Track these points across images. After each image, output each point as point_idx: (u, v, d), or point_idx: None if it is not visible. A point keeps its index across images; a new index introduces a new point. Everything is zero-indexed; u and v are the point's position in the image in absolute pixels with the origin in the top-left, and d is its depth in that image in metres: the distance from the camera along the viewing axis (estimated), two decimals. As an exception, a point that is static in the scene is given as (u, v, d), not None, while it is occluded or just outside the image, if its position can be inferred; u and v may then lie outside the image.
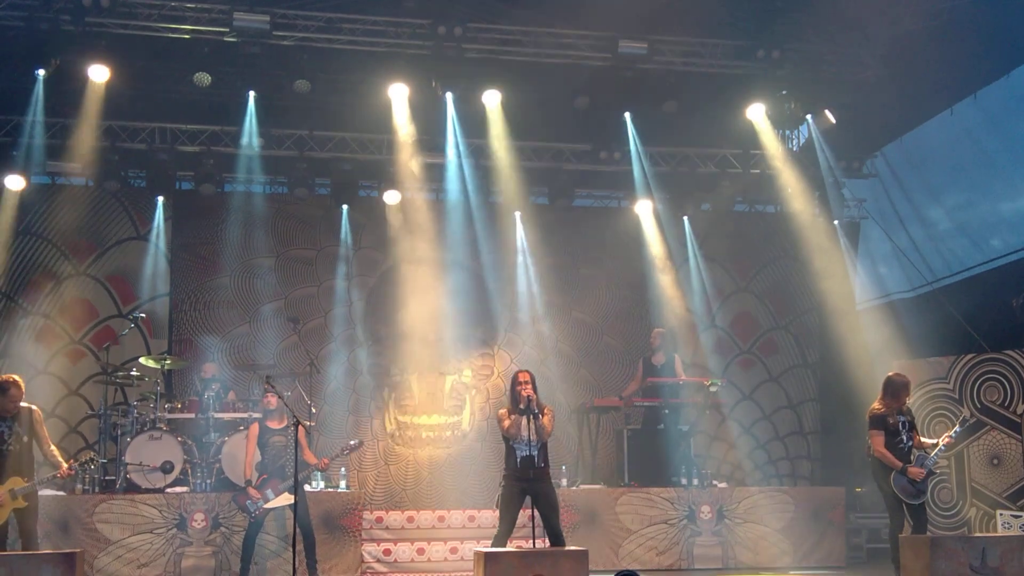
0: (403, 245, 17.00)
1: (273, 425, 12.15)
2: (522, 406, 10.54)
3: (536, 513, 10.72)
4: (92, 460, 11.10)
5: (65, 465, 10.59)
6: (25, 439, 10.53)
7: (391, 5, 14.82)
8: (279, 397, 11.82)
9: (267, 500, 11.86)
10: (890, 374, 11.88)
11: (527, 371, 10.89)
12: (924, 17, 13.80)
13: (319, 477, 13.93)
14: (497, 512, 10.97)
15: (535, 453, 10.58)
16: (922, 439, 11.72)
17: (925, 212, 16.87)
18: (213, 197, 16.38)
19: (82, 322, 16.33)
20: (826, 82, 15.88)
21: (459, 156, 16.22)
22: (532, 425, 10.50)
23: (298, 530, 11.11)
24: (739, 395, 17.61)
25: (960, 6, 13.58)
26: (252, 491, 11.87)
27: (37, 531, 10.63)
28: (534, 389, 10.64)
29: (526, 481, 10.61)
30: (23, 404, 10.61)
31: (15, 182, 15.46)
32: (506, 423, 10.66)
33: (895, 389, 11.62)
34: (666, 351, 15.63)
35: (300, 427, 11.15)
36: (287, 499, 11.55)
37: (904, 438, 11.47)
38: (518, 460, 10.61)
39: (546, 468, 10.76)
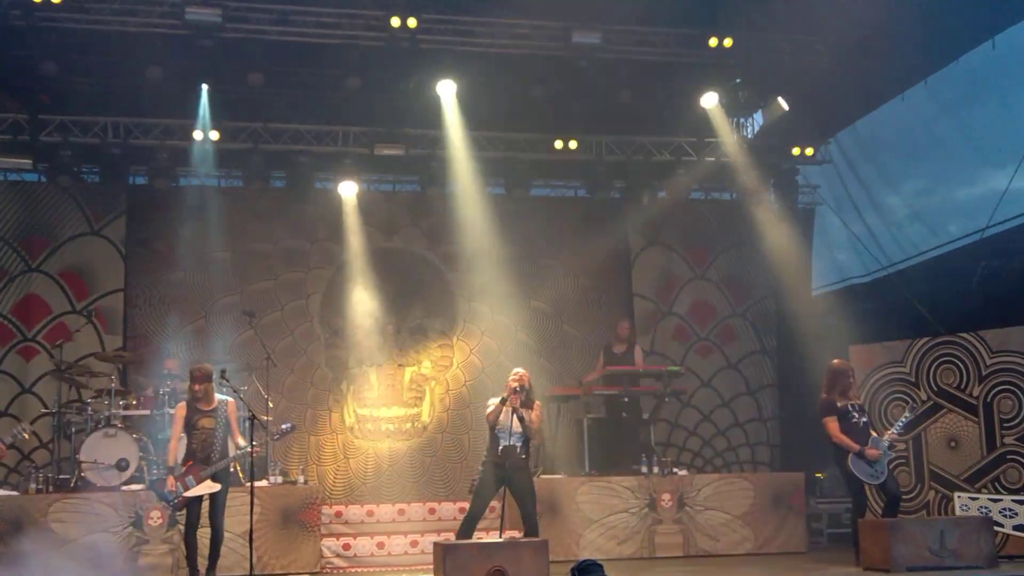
0: (360, 237, 16.94)
1: (202, 407, 11.33)
2: (505, 395, 10.82)
3: (506, 504, 10.80)
4: (21, 431, 11.06)
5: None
6: None
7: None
8: (207, 383, 11.29)
9: (187, 488, 11.07)
10: (831, 361, 12.17)
11: (523, 368, 11.28)
12: (874, 3, 13.86)
13: (277, 471, 13.83)
14: (469, 500, 11.11)
15: (518, 444, 10.81)
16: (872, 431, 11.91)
17: (881, 198, 16.97)
18: (167, 191, 16.26)
19: (35, 319, 16.13)
20: (779, 69, 15.95)
21: (415, 147, 16.15)
22: (516, 416, 10.76)
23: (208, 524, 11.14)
24: (698, 382, 17.67)
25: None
26: (171, 480, 11.08)
27: None
28: (524, 387, 10.94)
29: (505, 468, 10.71)
30: None
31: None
32: (489, 410, 10.94)
33: (833, 375, 11.91)
34: (628, 341, 15.74)
35: (231, 404, 11.03)
36: (210, 487, 11.05)
37: (857, 416, 11.68)
38: (500, 448, 10.79)
39: (527, 459, 10.98)
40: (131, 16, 14.27)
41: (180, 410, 11.44)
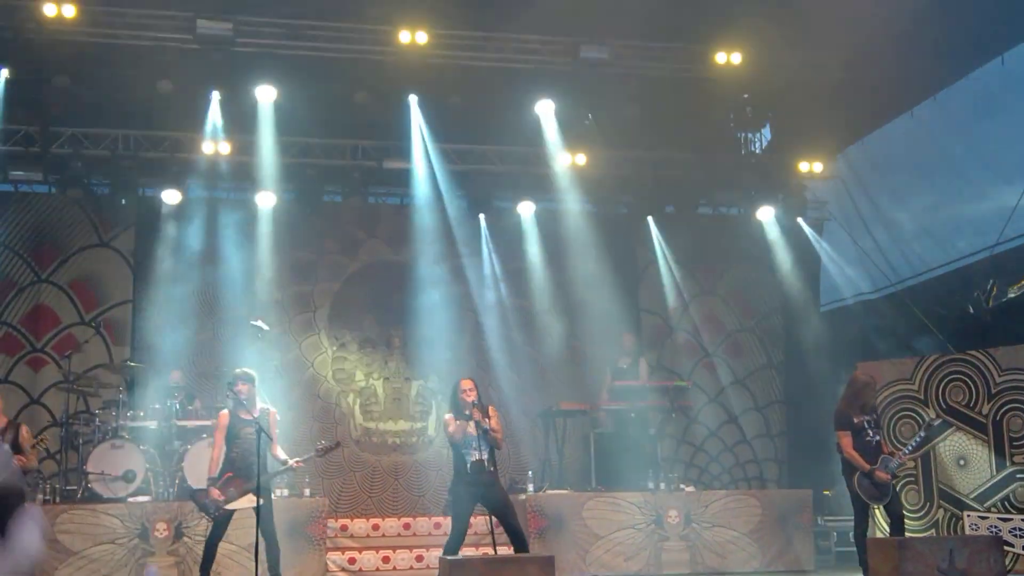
0: (368, 250, 16.96)
1: (244, 415, 10.90)
2: (467, 412, 10.51)
3: (493, 519, 10.68)
4: (42, 439, 11.28)
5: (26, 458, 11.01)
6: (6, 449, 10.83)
7: (355, 11, 14.80)
8: (252, 385, 11.02)
9: (229, 500, 10.71)
10: (855, 373, 11.96)
11: (470, 379, 10.84)
12: (883, 20, 13.87)
13: (284, 483, 13.79)
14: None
15: (485, 456, 10.47)
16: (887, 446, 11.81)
17: (889, 214, 16.95)
18: (177, 203, 16.26)
19: (44, 329, 16.16)
20: (787, 85, 15.97)
21: (425, 161, 16.19)
22: (479, 429, 10.45)
23: (262, 538, 10.66)
24: (705, 398, 17.64)
25: (919, 9, 13.66)
26: (214, 491, 10.69)
27: None
28: (478, 395, 10.61)
29: (479, 486, 10.50)
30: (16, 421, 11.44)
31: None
32: (451, 427, 10.58)
33: (858, 388, 11.69)
34: (633, 354, 15.71)
35: (272, 414, 10.89)
36: (251, 501, 10.61)
37: (871, 433, 11.54)
38: (468, 465, 10.46)
39: (496, 471, 10.69)
40: (143, 30, 14.35)
41: (222, 418, 11.05)
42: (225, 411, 11.15)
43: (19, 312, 16.14)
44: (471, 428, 10.43)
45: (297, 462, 11.18)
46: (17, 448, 10.99)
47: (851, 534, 12.27)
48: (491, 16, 15.03)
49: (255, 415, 10.92)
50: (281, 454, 11.16)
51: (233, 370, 11.38)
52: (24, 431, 11.31)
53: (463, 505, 10.57)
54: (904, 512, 12.12)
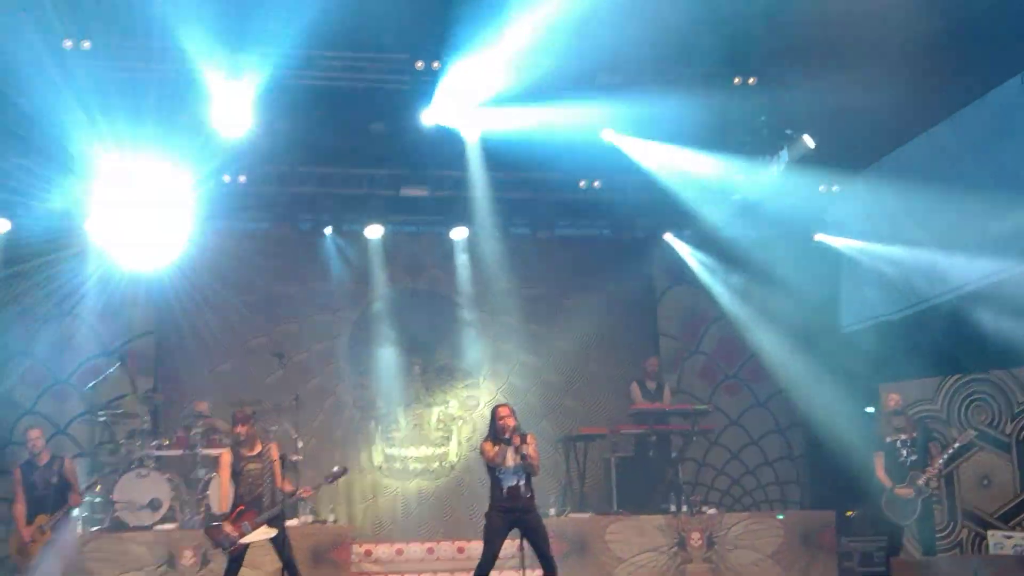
0: (386, 278, 17.03)
1: (246, 452, 11.06)
2: (506, 436, 10.54)
3: (525, 543, 10.70)
4: (95, 483, 12.44)
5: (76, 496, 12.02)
6: (55, 481, 12.04)
7: (370, 40, 14.88)
8: (250, 424, 11.12)
9: (244, 534, 10.71)
10: (888, 394, 12.11)
11: (507, 405, 10.92)
12: (900, 41, 13.89)
13: (307, 510, 13.85)
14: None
15: (521, 483, 10.55)
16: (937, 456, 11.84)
17: (908, 234, 16.89)
18: (197, 234, 16.34)
19: (68, 361, 16.24)
20: (804, 107, 15.96)
21: (440, 189, 16.27)
22: (517, 455, 10.49)
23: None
24: (726, 420, 17.61)
25: (935, 30, 13.68)
26: (226, 525, 10.75)
27: None
28: (516, 422, 10.65)
29: (514, 512, 10.55)
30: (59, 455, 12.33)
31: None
32: (491, 453, 10.64)
33: (887, 411, 11.83)
34: (658, 379, 15.75)
35: (273, 447, 10.99)
36: (266, 532, 10.75)
37: (904, 453, 11.58)
38: (504, 490, 10.56)
39: (532, 498, 10.71)
40: (158, 63, 14.44)
41: (225, 457, 11.14)
42: (226, 451, 11.26)
43: (43, 344, 16.21)
44: (510, 454, 10.48)
45: (307, 490, 11.49)
46: (67, 483, 12.14)
47: (875, 555, 12.27)
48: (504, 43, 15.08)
49: (257, 451, 11.06)
50: (288, 486, 11.31)
51: (233, 411, 11.46)
52: (68, 463, 12.35)
53: (496, 531, 10.57)
54: (933, 532, 12.07)
